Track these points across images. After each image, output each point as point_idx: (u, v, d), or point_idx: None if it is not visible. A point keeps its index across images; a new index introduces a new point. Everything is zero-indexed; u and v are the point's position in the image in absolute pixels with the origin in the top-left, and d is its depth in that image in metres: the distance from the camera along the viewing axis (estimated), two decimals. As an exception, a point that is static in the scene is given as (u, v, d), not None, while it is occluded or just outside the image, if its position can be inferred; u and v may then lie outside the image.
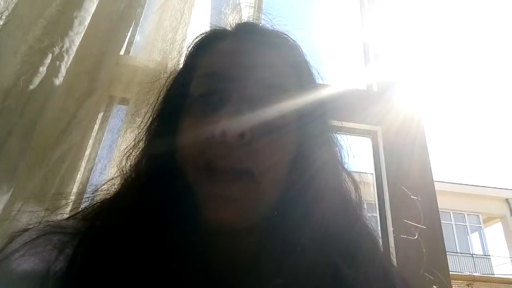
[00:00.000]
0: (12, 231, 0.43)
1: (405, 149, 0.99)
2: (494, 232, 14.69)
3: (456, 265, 12.99)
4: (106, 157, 0.86)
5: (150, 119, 0.55)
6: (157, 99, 0.57)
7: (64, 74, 0.81)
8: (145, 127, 0.55)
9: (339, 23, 1.36)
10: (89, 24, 0.85)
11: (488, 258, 14.22)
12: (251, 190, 0.42)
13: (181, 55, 0.93)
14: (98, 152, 0.90)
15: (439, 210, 0.94)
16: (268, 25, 0.57)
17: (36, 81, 0.76)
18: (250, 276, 0.47)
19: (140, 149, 0.53)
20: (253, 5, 1.08)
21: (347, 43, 1.31)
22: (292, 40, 0.57)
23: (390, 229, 0.89)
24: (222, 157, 0.42)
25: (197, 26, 0.99)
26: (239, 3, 1.07)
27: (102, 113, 0.93)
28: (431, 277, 0.81)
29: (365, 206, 0.52)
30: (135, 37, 1.05)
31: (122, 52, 0.99)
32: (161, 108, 0.55)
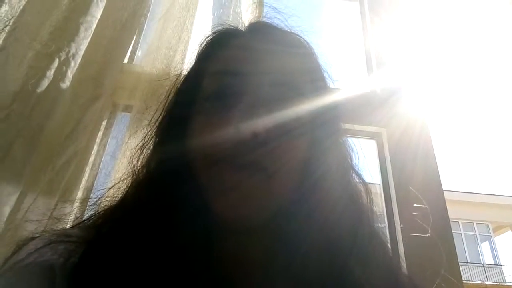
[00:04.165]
0: (18, 239, 0.43)
1: (410, 149, 0.99)
2: (505, 241, 14.46)
3: (467, 275, 12.71)
4: (110, 163, 0.86)
5: (161, 117, 0.54)
6: (168, 97, 0.56)
7: (70, 79, 0.82)
8: (155, 125, 0.54)
9: (343, 28, 1.37)
10: (94, 31, 0.87)
11: (499, 268, 13.93)
12: (264, 187, 0.42)
13: (184, 62, 0.95)
14: (103, 159, 0.90)
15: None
16: (282, 25, 0.57)
17: (44, 85, 0.78)
18: (257, 277, 0.46)
19: (151, 148, 0.53)
20: (255, 13, 1.08)
21: (352, 48, 1.32)
22: (306, 42, 0.56)
23: (399, 230, 0.88)
24: (235, 155, 0.42)
25: (200, 34, 1.01)
26: (241, 12, 1.09)
27: (106, 120, 0.94)
28: (442, 284, 0.80)
29: (376, 211, 0.52)
30: (139, 45, 1.06)
31: (126, 60, 1.01)
32: (172, 106, 0.54)
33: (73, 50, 0.82)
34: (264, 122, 0.42)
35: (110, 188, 0.52)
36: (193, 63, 0.57)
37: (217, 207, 0.42)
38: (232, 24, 0.57)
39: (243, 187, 0.41)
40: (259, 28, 0.56)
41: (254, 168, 0.42)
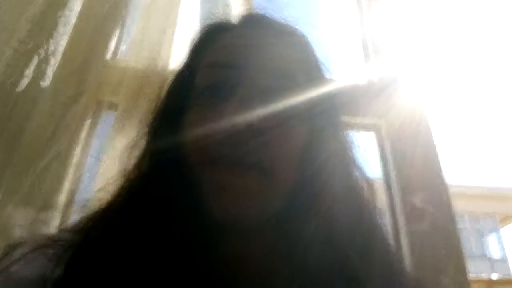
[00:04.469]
0: (2, 244, 0.42)
1: (410, 140, 0.96)
2: (510, 233, 14.45)
3: (473, 268, 12.69)
4: (94, 164, 0.83)
5: (153, 113, 0.54)
6: (160, 92, 0.56)
7: (50, 77, 0.80)
8: (148, 122, 0.53)
9: (339, 16, 1.35)
10: (73, 26, 0.84)
11: (506, 261, 13.91)
12: (261, 183, 0.41)
13: (169, 56, 0.93)
14: (87, 159, 0.87)
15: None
16: (276, 15, 0.56)
17: (23, 84, 0.76)
18: (258, 272, 0.45)
19: (143, 146, 0.52)
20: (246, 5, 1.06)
21: (348, 37, 1.29)
22: (301, 32, 0.56)
23: (401, 222, 0.86)
24: (231, 148, 0.41)
25: (185, 27, 0.98)
26: (231, 4, 1.05)
27: (90, 119, 0.90)
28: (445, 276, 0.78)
29: (377, 204, 0.51)
30: (122, 39, 1.03)
31: (109, 55, 0.97)
32: (166, 101, 0.54)
33: (52, 47, 0.80)
34: (260, 113, 0.42)
35: (99, 190, 0.51)
36: (186, 57, 0.56)
37: (214, 208, 0.41)
38: (224, 17, 0.57)
39: (241, 183, 0.41)
40: (252, 19, 0.56)
41: (251, 163, 0.41)
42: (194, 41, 0.56)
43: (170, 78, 0.57)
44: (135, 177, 0.48)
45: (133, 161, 0.51)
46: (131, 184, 0.48)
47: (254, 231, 0.44)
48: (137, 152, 0.52)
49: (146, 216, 0.42)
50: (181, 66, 0.57)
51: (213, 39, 0.52)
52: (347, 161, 0.51)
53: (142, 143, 0.52)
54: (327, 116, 0.50)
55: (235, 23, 0.55)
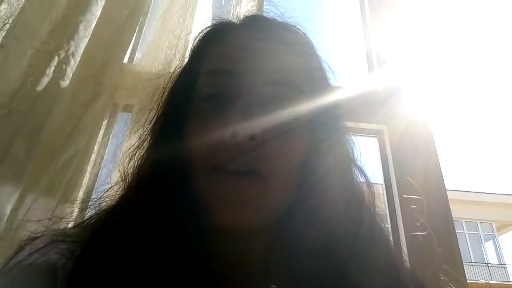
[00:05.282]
0: (19, 238, 0.43)
1: (412, 147, 0.98)
2: (509, 240, 14.40)
3: (471, 274, 12.64)
4: (111, 162, 0.86)
5: (155, 118, 0.53)
6: (162, 96, 0.55)
7: (70, 77, 0.82)
8: (150, 126, 0.53)
9: (344, 26, 1.37)
10: (93, 30, 0.87)
11: (504, 267, 13.86)
12: (261, 192, 0.41)
13: (184, 61, 0.93)
14: (104, 158, 0.90)
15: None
16: (277, 17, 0.55)
17: (43, 83, 0.78)
18: (256, 279, 0.46)
19: (145, 150, 0.52)
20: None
21: (353, 46, 1.31)
22: (303, 33, 0.54)
23: (401, 227, 0.88)
24: (232, 159, 0.41)
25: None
26: (240, 12, 1.08)
27: (107, 120, 0.93)
28: (445, 278, 0.79)
29: (378, 209, 0.51)
30: (139, 44, 1.06)
31: (126, 60, 1.00)
32: (167, 107, 0.53)
33: (72, 48, 0.82)
34: (261, 123, 0.41)
35: (110, 188, 0.52)
36: (187, 60, 0.55)
37: (214, 212, 0.42)
38: (226, 18, 0.55)
39: (240, 192, 0.41)
40: (256, 23, 0.54)
41: (252, 174, 0.41)
42: (196, 43, 0.54)
43: (173, 80, 0.55)
44: (138, 179, 0.49)
45: (137, 163, 0.51)
46: (136, 186, 0.48)
47: (252, 237, 0.45)
48: (141, 154, 0.52)
49: (150, 218, 0.42)
50: (183, 68, 0.55)
51: (214, 42, 0.51)
52: (348, 168, 0.50)
53: (146, 145, 0.52)
54: (330, 126, 0.49)
55: (238, 25, 0.54)
